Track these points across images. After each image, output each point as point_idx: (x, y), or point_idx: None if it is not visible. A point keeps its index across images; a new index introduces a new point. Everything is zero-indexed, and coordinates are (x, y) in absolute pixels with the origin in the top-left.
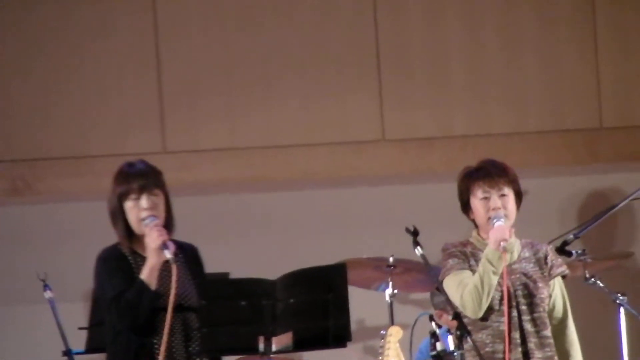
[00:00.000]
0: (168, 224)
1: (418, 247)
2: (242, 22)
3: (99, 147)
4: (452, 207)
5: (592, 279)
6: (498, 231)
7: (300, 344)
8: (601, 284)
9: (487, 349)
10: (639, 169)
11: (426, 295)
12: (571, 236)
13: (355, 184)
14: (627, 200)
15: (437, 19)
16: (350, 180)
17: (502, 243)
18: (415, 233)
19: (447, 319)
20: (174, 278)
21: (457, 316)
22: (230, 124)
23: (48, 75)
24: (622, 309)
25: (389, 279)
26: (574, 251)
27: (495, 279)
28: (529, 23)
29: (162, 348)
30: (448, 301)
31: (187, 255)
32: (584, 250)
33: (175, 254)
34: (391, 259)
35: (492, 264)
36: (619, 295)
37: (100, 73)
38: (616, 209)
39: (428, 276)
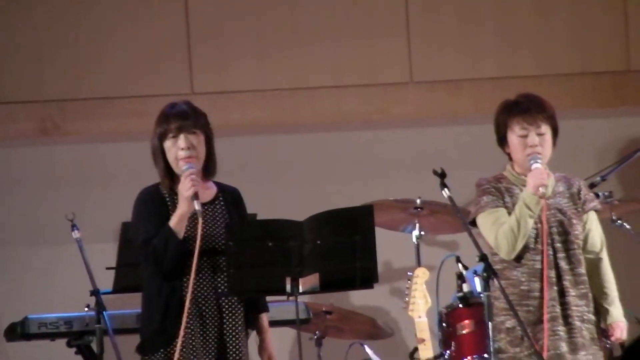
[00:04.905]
0: (208, 167)
1: (445, 189)
2: None
3: (128, 89)
4: (479, 149)
5: (619, 221)
6: (536, 175)
7: (327, 285)
8: (628, 226)
9: (522, 287)
10: None
11: (453, 237)
12: (598, 178)
13: (383, 126)
14: None
15: None
16: (379, 122)
17: (540, 188)
18: (442, 175)
19: None
20: (199, 231)
21: (484, 257)
22: (259, 66)
23: (77, 17)
24: None
25: (416, 221)
26: (600, 193)
27: (531, 222)
28: None
29: (188, 295)
30: (475, 243)
31: (228, 198)
32: (610, 192)
33: (215, 197)
34: (418, 201)
35: (529, 209)
36: None
37: (128, 15)
38: None
39: (455, 218)
